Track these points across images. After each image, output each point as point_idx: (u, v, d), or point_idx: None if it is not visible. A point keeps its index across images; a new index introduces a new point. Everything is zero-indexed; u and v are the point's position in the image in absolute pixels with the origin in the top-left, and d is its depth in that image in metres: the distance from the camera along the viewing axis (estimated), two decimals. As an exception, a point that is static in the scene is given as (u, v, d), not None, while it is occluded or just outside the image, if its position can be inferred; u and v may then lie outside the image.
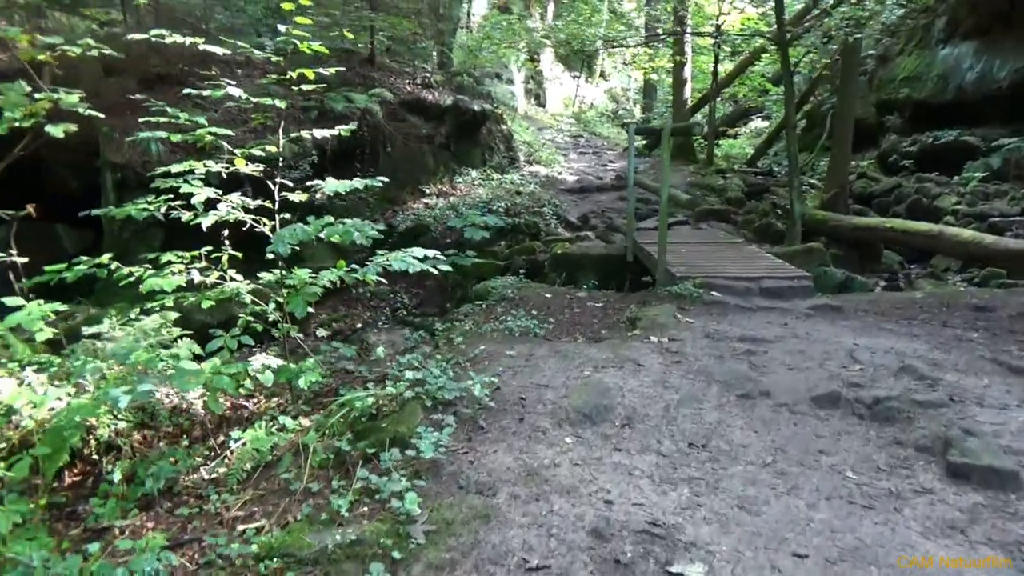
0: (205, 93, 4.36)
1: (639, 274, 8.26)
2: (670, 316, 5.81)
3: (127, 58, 12.53)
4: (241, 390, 4.86)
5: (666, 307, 6.10)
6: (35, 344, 5.01)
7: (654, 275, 7.46)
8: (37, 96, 5.43)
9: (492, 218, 6.75)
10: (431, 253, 3.96)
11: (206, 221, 4.17)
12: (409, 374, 4.02)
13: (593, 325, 5.94)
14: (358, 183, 4.33)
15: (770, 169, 17.36)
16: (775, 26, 10.88)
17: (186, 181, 4.28)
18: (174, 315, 5.08)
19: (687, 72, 17.81)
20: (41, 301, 4.43)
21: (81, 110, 5.51)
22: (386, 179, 4.46)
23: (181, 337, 5.29)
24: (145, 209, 4.19)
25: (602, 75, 31.67)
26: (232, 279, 4.41)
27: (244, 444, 3.74)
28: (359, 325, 12.22)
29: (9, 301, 4.42)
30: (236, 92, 4.36)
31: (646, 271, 7.98)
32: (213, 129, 4.40)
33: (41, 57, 4.85)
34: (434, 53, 16.47)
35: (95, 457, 4.09)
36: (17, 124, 5.15)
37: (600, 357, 4.66)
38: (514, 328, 5.53)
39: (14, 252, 4.93)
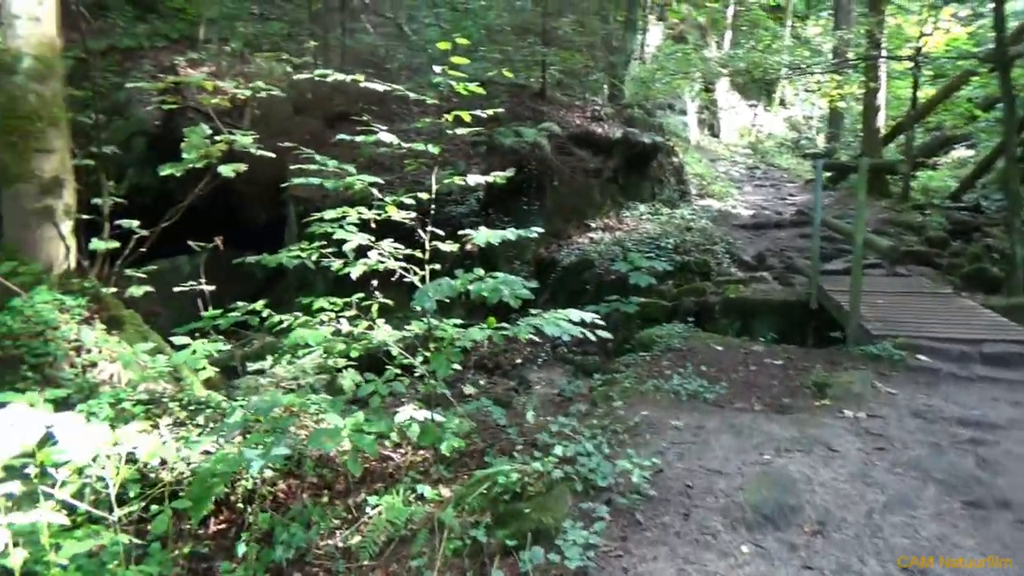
0: (359, 139, 4.20)
1: (824, 326, 7.35)
2: (867, 384, 4.98)
3: (313, 98, 13.26)
4: (388, 442, 4.65)
5: (861, 372, 5.27)
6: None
7: (845, 330, 6.56)
8: (217, 139, 5.63)
9: (660, 263, 6.21)
10: (588, 317, 3.51)
11: (355, 271, 3.98)
12: (559, 448, 3.57)
13: (772, 389, 5.22)
14: (511, 233, 3.99)
15: (978, 204, 15.35)
16: (989, 45, 9.54)
17: (341, 227, 4.13)
18: (340, 346, 4.96)
19: (880, 99, 16.27)
20: (205, 340, 4.47)
21: (253, 150, 5.63)
22: (541, 229, 4.13)
23: (346, 368, 5.22)
24: (297, 257, 4.07)
25: (782, 103, 30.04)
26: (379, 328, 4.18)
27: (380, 512, 3.46)
28: (519, 360, 11.99)
29: (177, 340, 4.50)
30: (388, 138, 4.17)
31: (833, 323, 7.07)
32: (364, 177, 4.21)
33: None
34: (604, 86, 16.15)
35: (240, 505, 3.99)
36: (193, 165, 5.31)
37: (782, 435, 3.99)
38: (680, 391, 4.94)
39: (203, 281, 5.13)
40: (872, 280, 8.88)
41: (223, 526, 3.98)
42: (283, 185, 6.01)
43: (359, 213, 4.13)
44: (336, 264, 4.04)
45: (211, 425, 4.30)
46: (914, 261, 10.67)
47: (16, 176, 5.27)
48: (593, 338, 4.11)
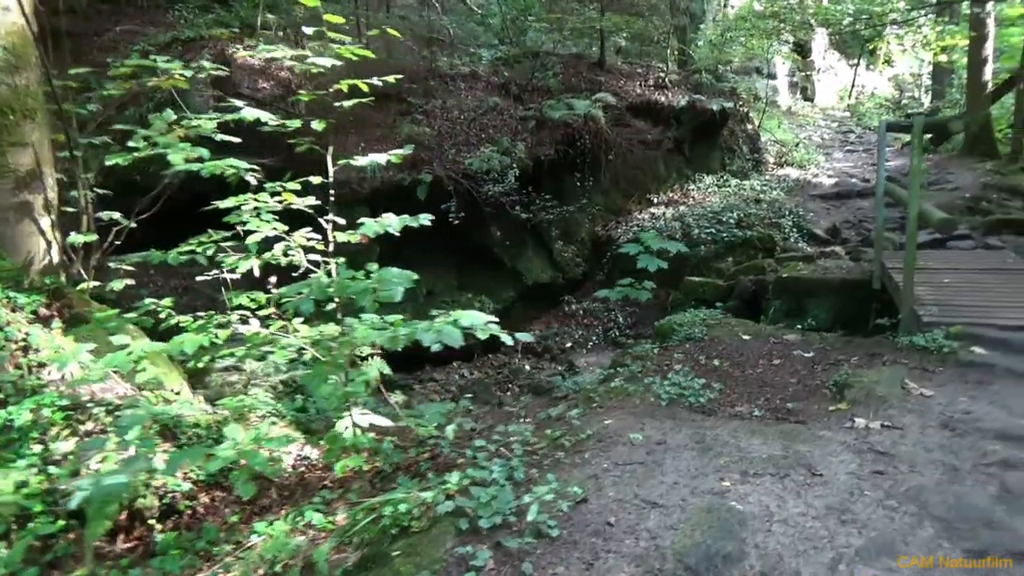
0: (228, 117, 3.73)
1: (888, 309, 6.41)
2: (895, 384, 4.16)
3: (354, 78, 12.99)
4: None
5: (895, 369, 4.43)
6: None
7: (898, 315, 5.66)
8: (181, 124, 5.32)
9: (674, 244, 5.50)
10: (483, 318, 2.92)
11: (244, 266, 3.53)
12: (456, 475, 3.00)
13: (787, 389, 4.47)
14: (411, 220, 3.44)
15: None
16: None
17: (258, 215, 3.69)
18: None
19: (988, 49, 14.48)
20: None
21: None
22: (430, 217, 3.46)
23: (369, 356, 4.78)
24: (190, 253, 3.66)
25: (887, 60, 27.69)
26: (296, 330, 3.73)
27: (261, 543, 3.04)
28: (568, 344, 11.45)
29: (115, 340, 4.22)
30: (257, 114, 3.68)
31: (895, 306, 6.14)
32: (234, 162, 3.73)
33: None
34: (667, 50, 15.13)
35: (151, 522, 3.68)
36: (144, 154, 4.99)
37: (760, 454, 3.29)
38: (662, 393, 4.26)
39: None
40: (950, 255, 7.77)
41: (134, 543, 3.69)
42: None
43: (256, 200, 3.65)
44: (231, 259, 3.60)
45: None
46: (1013, 231, 9.36)
47: (-11, 171, 5.12)
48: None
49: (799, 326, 6.44)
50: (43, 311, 4.78)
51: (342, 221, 3.61)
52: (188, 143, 4.52)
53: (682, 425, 3.71)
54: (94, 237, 5.64)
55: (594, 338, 11.43)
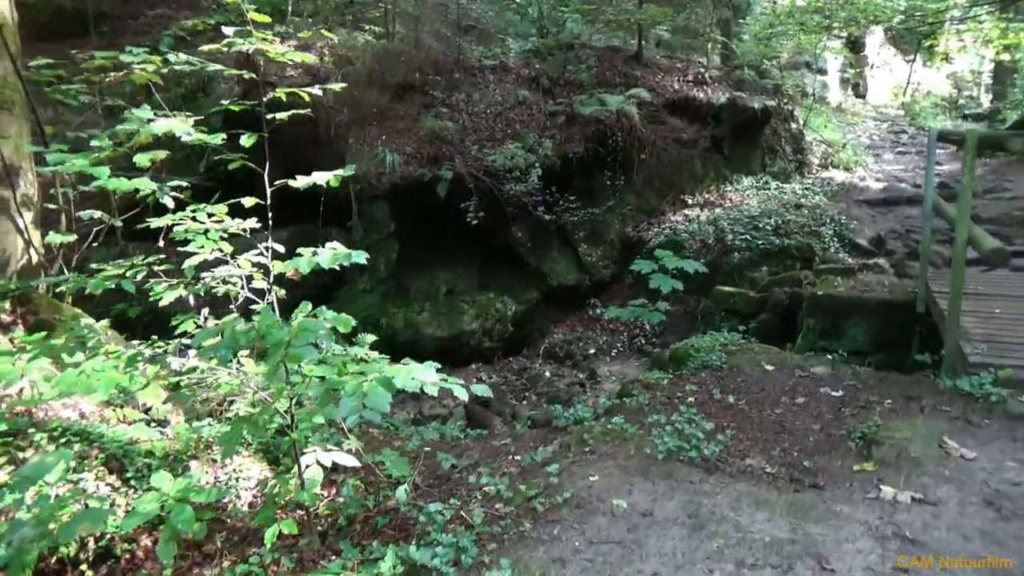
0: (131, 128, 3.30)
1: (934, 339, 5.81)
2: (933, 442, 3.62)
3: (379, 68, 12.61)
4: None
5: (933, 421, 3.89)
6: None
7: (941, 349, 5.08)
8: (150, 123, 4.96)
9: (692, 264, 4.99)
10: (430, 377, 2.45)
11: (169, 296, 3.10)
12: (412, 551, 2.58)
13: (806, 439, 3.95)
14: (344, 258, 2.95)
15: None
16: None
17: (207, 234, 3.27)
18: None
19: (1055, 47, 13.52)
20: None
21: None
22: (365, 255, 2.97)
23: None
24: (118, 278, 3.25)
25: (945, 58, 26.39)
26: (240, 363, 3.33)
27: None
28: (592, 350, 10.99)
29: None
30: (179, 128, 3.25)
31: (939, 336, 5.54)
32: (142, 183, 3.27)
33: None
34: (708, 45, 14.44)
35: (83, 568, 3.35)
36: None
37: (762, 535, 2.80)
38: (659, 444, 3.77)
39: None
40: (1004, 278, 7.06)
41: (68, 589, 3.36)
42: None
43: (194, 218, 3.22)
44: (159, 288, 3.18)
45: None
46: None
47: (-39, 165, 4.85)
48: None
49: (832, 353, 5.88)
50: (4, 317, 4.48)
51: (280, 248, 3.18)
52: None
53: (677, 488, 3.22)
54: (73, 237, 5.35)
55: (619, 345, 10.95)
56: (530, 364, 10.79)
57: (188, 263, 3.08)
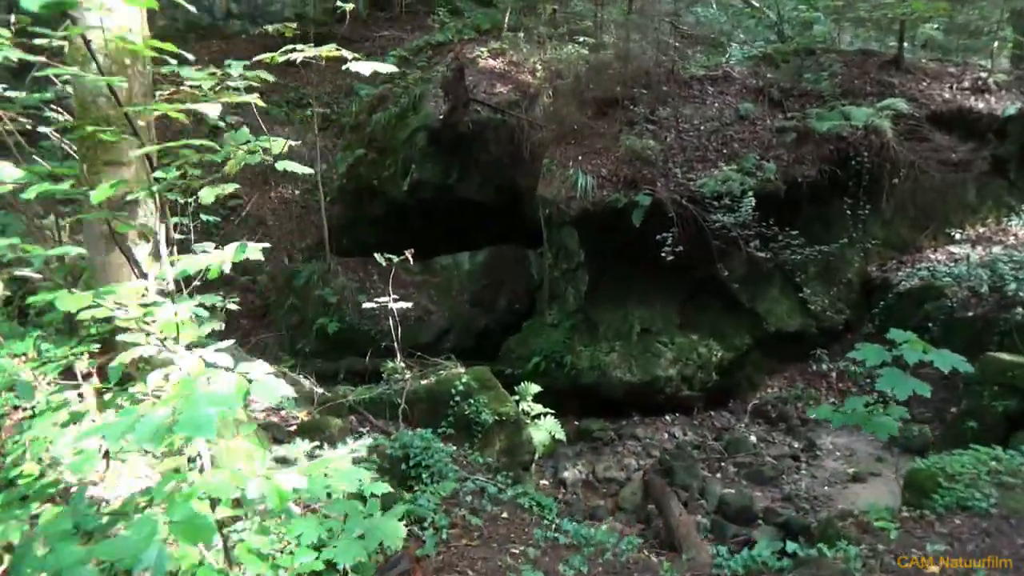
0: None
1: None
2: None
3: (584, 82, 11.66)
4: None
5: None
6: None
7: None
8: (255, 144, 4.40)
9: (946, 356, 3.43)
10: None
11: None
12: None
13: None
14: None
15: None
16: None
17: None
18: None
19: None
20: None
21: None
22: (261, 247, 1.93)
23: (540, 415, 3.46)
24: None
25: None
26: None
27: None
28: (813, 415, 9.15)
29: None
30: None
31: None
32: None
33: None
34: (994, 44, 11.76)
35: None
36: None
37: None
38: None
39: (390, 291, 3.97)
40: None
41: None
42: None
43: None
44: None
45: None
46: None
47: (86, 193, 4.61)
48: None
49: None
50: (80, 367, 4.00)
51: (188, 313, 2.29)
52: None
53: None
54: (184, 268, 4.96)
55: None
56: (734, 422, 9.25)
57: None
